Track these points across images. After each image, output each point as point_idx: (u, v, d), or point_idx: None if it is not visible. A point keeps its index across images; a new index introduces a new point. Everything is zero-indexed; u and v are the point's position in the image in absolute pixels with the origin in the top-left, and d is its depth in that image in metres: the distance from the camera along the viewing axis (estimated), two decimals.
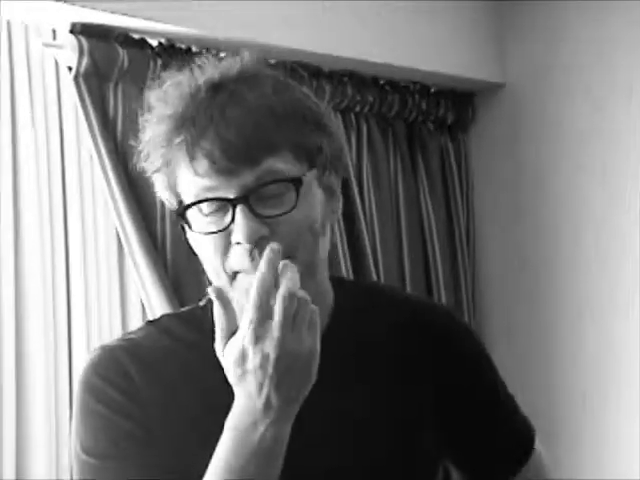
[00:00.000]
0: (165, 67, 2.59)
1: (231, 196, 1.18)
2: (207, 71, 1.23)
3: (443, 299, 3.25)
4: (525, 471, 1.44)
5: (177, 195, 1.24)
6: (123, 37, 2.58)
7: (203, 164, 1.18)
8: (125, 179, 2.50)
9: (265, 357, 1.12)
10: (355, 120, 3.15)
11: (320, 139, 1.23)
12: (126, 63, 2.55)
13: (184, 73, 1.23)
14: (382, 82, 3.22)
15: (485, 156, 3.54)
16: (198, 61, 1.25)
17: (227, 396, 1.16)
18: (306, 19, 2.91)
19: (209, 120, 1.18)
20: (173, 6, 2.59)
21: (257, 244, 1.18)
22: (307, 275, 1.19)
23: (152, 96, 1.23)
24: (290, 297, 1.12)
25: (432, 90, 3.38)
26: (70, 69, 2.50)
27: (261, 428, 1.14)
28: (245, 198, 1.17)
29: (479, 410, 1.41)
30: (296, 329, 1.13)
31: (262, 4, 2.78)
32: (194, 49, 2.71)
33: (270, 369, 1.12)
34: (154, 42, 2.65)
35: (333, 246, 2.91)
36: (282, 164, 1.19)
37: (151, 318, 2.44)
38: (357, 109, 3.14)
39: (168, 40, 2.67)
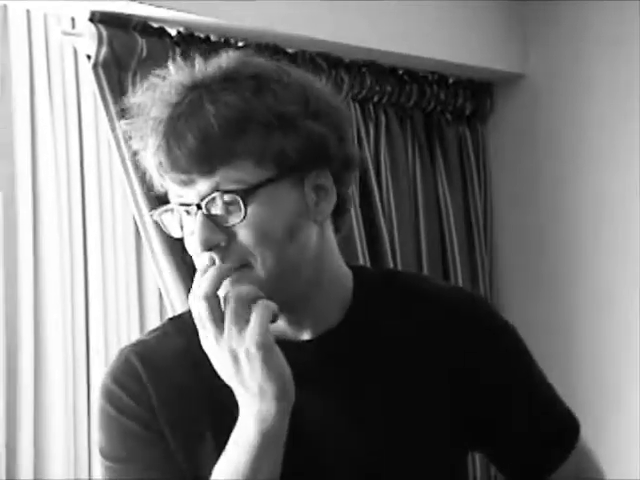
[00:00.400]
0: (184, 56, 2.59)
1: (194, 202, 1.21)
2: (183, 74, 1.24)
3: None
4: (567, 464, 1.39)
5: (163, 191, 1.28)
6: (142, 26, 2.58)
7: (168, 176, 1.22)
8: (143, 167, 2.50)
9: (217, 359, 1.20)
10: (373, 110, 3.16)
11: (292, 143, 1.22)
12: (145, 52, 2.55)
13: (164, 73, 1.25)
14: (401, 72, 3.23)
15: (503, 147, 3.55)
16: (177, 63, 1.26)
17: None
18: (325, 9, 2.91)
19: (165, 133, 1.20)
20: None
21: (214, 250, 1.21)
22: (274, 280, 1.22)
23: (135, 96, 1.25)
24: (203, 297, 1.19)
25: (450, 80, 3.38)
26: (89, 58, 2.50)
27: (245, 421, 1.19)
28: (200, 206, 1.21)
29: (511, 405, 1.38)
30: (229, 327, 1.18)
31: None
32: (213, 38, 2.71)
33: (222, 368, 1.20)
34: (173, 31, 2.66)
35: (350, 236, 2.93)
36: (239, 172, 1.20)
37: (171, 312, 2.52)
38: (375, 99, 3.15)
39: (187, 29, 2.67)
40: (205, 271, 1.21)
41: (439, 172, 3.33)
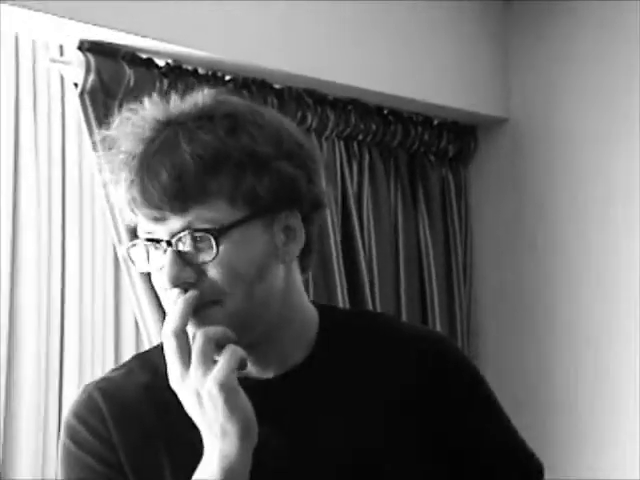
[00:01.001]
0: (171, 87, 2.63)
1: (163, 239, 1.22)
2: (157, 110, 1.25)
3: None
4: None
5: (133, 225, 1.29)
6: (130, 56, 2.60)
7: (140, 211, 1.22)
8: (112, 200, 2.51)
9: (183, 395, 1.21)
10: (358, 148, 3.19)
11: (265, 184, 1.23)
12: (132, 82, 2.57)
13: (138, 108, 1.26)
14: (386, 112, 3.26)
15: (485, 189, 3.58)
16: (152, 98, 1.27)
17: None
18: (313, 46, 2.95)
19: (139, 169, 1.20)
20: (181, 27, 2.62)
21: (183, 286, 1.22)
22: (242, 320, 1.23)
23: (109, 130, 1.25)
24: (172, 333, 1.20)
25: (435, 122, 3.42)
26: (76, 85, 2.52)
27: (209, 459, 1.19)
28: (171, 243, 1.21)
29: (476, 446, 1.38)
30: (195, 366, 1.19)
31: (271, 30, 2.82)
32: (201, 71, 2.74)
33: (187, 405, 1.20)
34: (161, 62, 2.68)
35: (330, 273, 2.96)
36: (211, 212, 1.21)
37: (146, 339, 2.53)
38: (360, 137, 3.18)
39: (175, 61, 2.69)
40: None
41: (421, 213, 3.35)
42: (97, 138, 1.27)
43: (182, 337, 1.20)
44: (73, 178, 2.64)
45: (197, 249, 1.21)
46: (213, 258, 1.20)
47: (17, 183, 2.54)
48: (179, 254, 1.21)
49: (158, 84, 2.62)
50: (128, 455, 1.28)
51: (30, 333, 2.53)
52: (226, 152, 1.21)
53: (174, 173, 1.19)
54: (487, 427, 1.39)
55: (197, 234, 1.20)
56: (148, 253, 1.25)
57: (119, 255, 2.58)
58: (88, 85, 2.51)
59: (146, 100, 1.26)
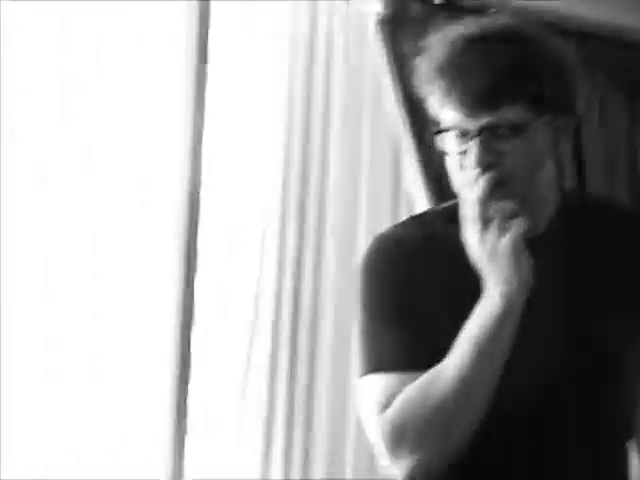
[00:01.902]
0: (445, 20, 2.88)
1: (471, 129, 1.43)
2: (468, 27, 1.44)
3: None
4: None
5: (438, 118, 1.50)
6: None
7: (453, 107, 1.43)
8: (408, 100, 3.08)
9: (479, 250, 1.41)
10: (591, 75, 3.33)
11: (552, 92, 1.42)
12: (415, 14, 3.11)
13: (452, 27, 1.46)
14: (626, 41, 3.45)
15: None
16: (464, 18, 1.47)
17: (475, 280, 1.41)
18: None
19: (460, 73, 1.40)
20: None
21: (484, 168, 1.42)
22: (522, 198, 1.43)
23: (426, 43, 1.47)
24: (479, 202, 1.40)
25: None
26: (375, 17, 3.16)
27: (492, 296, 1.39)
28: (480, 134, 1.41)
29: None
30: (493, 229, 1.39)
31: None
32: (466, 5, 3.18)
33: (480, 256, 1.40)
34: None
35: (562, 169, 3.26)
36: (513, 113, 1.41)
37: (416, 213, 3.02)
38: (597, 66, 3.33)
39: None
40: (477, 180, 1.42)
41: None
42: (420, 45, 1.48)
43: (486, 205, 1.40)
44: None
45: (500, 140, 1.42)
46: (513, 148, 1.41)
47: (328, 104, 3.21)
48: (484, 142, 1.41)
49: (435, 17, 3.09)
50: (417, 289, 1.48)
51: None
52: (527, 63, 1.41)
53: (491, 79, 1.39)
54: None
55: (501, 130, 1.41)
56: (445, 140, 1.46)
57: (404, 139, 3.12)
58: (383, 17, 3.12)
59: (464, 21, 1.47)
